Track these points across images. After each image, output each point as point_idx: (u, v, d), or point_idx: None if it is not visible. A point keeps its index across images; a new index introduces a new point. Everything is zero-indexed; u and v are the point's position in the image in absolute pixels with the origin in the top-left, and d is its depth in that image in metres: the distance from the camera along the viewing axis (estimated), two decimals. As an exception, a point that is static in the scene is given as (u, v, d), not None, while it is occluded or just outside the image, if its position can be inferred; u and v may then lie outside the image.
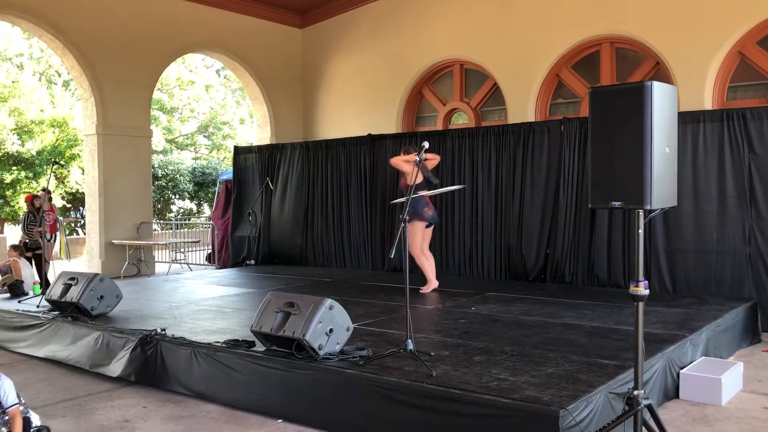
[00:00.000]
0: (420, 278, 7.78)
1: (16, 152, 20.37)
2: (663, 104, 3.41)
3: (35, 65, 24.80)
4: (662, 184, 3.41)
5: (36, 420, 3.91)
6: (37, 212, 10.63)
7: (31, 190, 20.13)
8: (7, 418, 3.75)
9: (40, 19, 11.22)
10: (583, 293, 7.48)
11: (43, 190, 10.84)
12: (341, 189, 10.49)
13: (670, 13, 10.16)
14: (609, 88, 3.67)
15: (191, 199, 24.66)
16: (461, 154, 9.12)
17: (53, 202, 11.27)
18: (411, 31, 13.04)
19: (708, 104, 9.87)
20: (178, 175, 22.99)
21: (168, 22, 12.69)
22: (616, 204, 3.44)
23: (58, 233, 11.11)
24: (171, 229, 17.62)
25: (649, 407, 3.50)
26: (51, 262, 10.91)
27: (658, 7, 10.26)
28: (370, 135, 10.34)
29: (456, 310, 6.62)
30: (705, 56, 9.91)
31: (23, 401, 3.92)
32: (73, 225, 21.66)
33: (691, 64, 9.98)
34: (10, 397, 3.75)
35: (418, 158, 5.01)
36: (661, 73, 10.39)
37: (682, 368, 4.93)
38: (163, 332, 5.46)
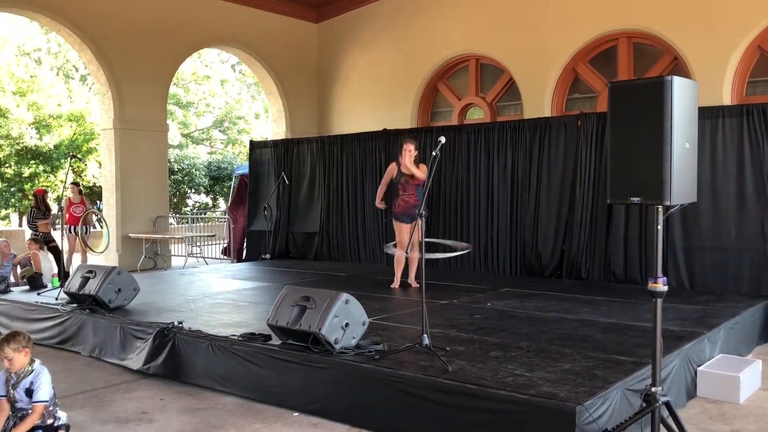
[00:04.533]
0: (435, 273, 7.76)
1: (35, 146, 20.57)
2: (683, 99, 3.38)
3: (53, 60, 25.01)
4: (682, 179, 3.38)
5: (63, 417, 3.96)
6: (45, 207, 10.70)
7: (48, 184, 20.32)
8: (29, 411, 3.79)
9: (58, 14, 11.31)
10: (600, 289, 7.44)
11: (73, 183, 10.94)
12: (356, 184, 10.49)
13: (688, 8, 10.06)
14: (629, 82, 3.65)
15: (207, 193, 24.78)
16: (477, 149, 9.09)
17: (82, 194, 11.34)
18: (426, 26, 13.00)
19: (727, 99, 9.77)
20: (193, 170, 23.11)
21: (184, 18, 12.74)
22: (636, 200, 3.42)
23: (88, 225, 11.16)
24: (187, 223, 17.72)
25: (667, 404, 3.49)
26: (88, 253, 10.97)
27: (676, 2, 10.16)
28: (385, 130, 10.33)
29: (471, 305, 6.61)
30: (724, 51, 9.80)
31: (55, 400, 3.97)
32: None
33: (710, 59, 9.88)
34: (42, 393, 3.79)
35: (434, 153, 4.99)
36: (679, 68, 10.29)
37: (699, 365, 4.89)
38: (180, 325, 5.50)
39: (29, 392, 3.79)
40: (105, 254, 12.47)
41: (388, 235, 10.08)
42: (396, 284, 7.72)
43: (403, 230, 7.64)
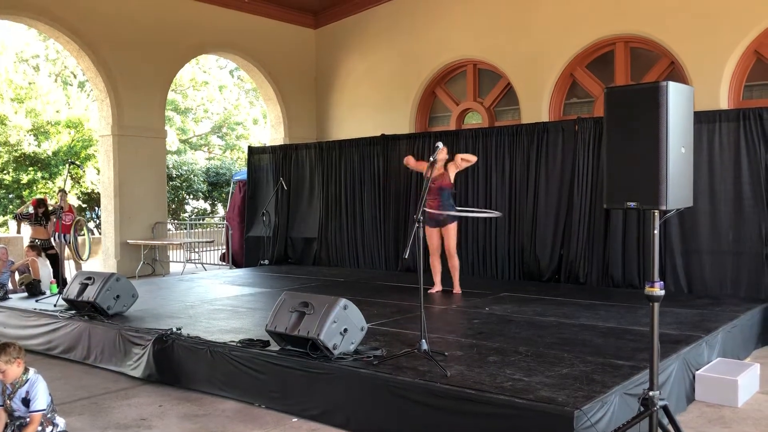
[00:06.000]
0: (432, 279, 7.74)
1: (33, 153, 20.56)
2: (679, 104, 3.40)
3: (51, 67, 25.02)
4: (678, 184, 3.40)
5: (61, 424, 3.97)
6: (43, 216, 10.65)
7: (47, 191, 20.31)
8: (28, 420, 3.80)
9: (57, 20, 11.33)
10: (598, 294, 7.45)
11: (60, 190, 10.90)
12: (354, 189, 10.50)
13: (685, 12, 10.10)
14: (624, 88, 3.67)
15: (205, 199, 24.77)
16: (475, 154, 9.09)
17: (70, 202, 11.30)
18: (424, 31, 13.04)
19: (724, 104, 9.79)
20: (192, 176, 23.10)
21: (182, 24, 12.77)
22: (632, 204, 3.43)
23: (78, 234, 11.12)
24: (185, 229, 17.72)
25: (665, 408, 3.49)
26: (78, 261, 10.96)
27: (673, 6, 10.20)
28: (383, 135, 10.35)
29: (470, 310, 6.62)
30: (720, 55, 9.83)
31: (53, 407, 3.97)
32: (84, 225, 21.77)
33: (707, 63, 9.91)
34: (39, 402, 3.80)
35: (431, 158, 5.01)
36: (676, 73, 10.32)
37: (698, 369, 4.90)
38: (179, 331, 5.51)
39: (26, 401, 3.79)
40: (104, 260, 12.48)
41: (386, 240, 10.11)
42: (436, 288, 7.68)
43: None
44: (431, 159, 4.99)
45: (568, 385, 3.93)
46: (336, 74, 14.56)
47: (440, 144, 5.11)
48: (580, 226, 8.18)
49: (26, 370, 3.86)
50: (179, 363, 5.31)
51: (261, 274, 9.93)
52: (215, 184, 24.04)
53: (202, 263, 14.06)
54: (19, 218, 10.84)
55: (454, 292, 7.59)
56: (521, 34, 11.77)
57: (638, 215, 7.66)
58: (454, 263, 7.61)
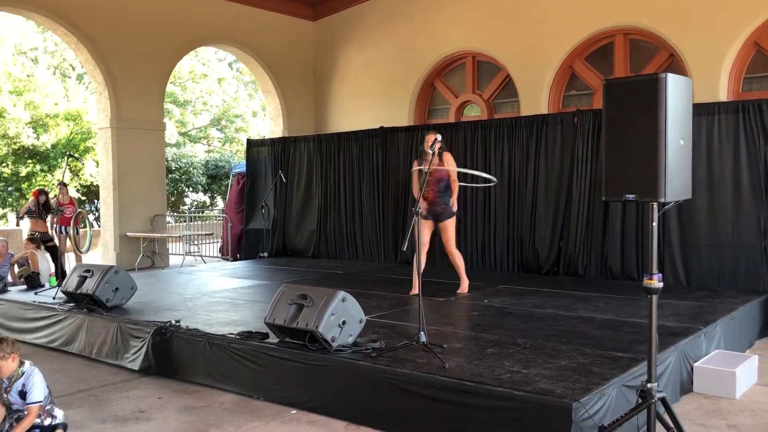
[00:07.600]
0: (433, 270, 7.71)
1: (32, 146, 20.54)
2: (678, 96, 3.39)
3: (50, 59, 24.95)
4: (676, 176, 3.39)
5: (60, 416, 3.97)
6: (43, 208, 10.64)
7: (46, 183, 20.30)
8: (26, 413, 3.80)
9: (55, 13, 11.28)
10: (596, 286, 7.46)
11: (61, 183, 10.89)
12: (353, 181, 10.50)
13: (685, 4, 10.06)
14: (623, 80, 3.66)
15: (204, 191, 24.76)
16: (474, 146, 9.10)
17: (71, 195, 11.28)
18: (423, 23, 13.00)
19: (723, 96, 9.77)
20: (191, 168, 23.08)
21: (181, 16, 12.72)
22: (630, 197, 3.43)
23: (78, 226, 11.08)
24: (184, 221, 17.70)
25: (663, 400, 3.50)
26: (78, 254, 10.96)
27: (672, -2, 10.17)
28: (382, 127, 10.34)
29: (468, 302, 6.63)
30: (720, 47, 9.81)
31: (51, 398, 3.97)
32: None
33: (706, 56, 9.89)
34: (35, 393, 3.80)
35: (429, 150, 5.01)
36: (676, 65, 10.30)
37: (696, 361, 4.91)
38: (178, 324, 5.51)
39: (23, 394, 3.79)
40: (103, 253, 12.47)
41: (385, 233, 10.11)
42: (414, 291, 6.96)
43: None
44: (429, 151, 4.98)
45: (567, 377, 3.94)
46: (335, 66, 14.52)
47: (439, 135, 5.10)
48: (579, 218, 8.18)
49: (21, 363, 3.86)
50: (178, 355, 5.32)
51: (260, 267, 9.93)
52: (214, 176, 24.02)
53: (201, 256, 14.06)
54: (22, 216, 10.83)
55: (463, 291, 7.12)
56: (520, 26, 11.74)
57: (637, 207, 7.66)
58: (456, 261, 7.10)
